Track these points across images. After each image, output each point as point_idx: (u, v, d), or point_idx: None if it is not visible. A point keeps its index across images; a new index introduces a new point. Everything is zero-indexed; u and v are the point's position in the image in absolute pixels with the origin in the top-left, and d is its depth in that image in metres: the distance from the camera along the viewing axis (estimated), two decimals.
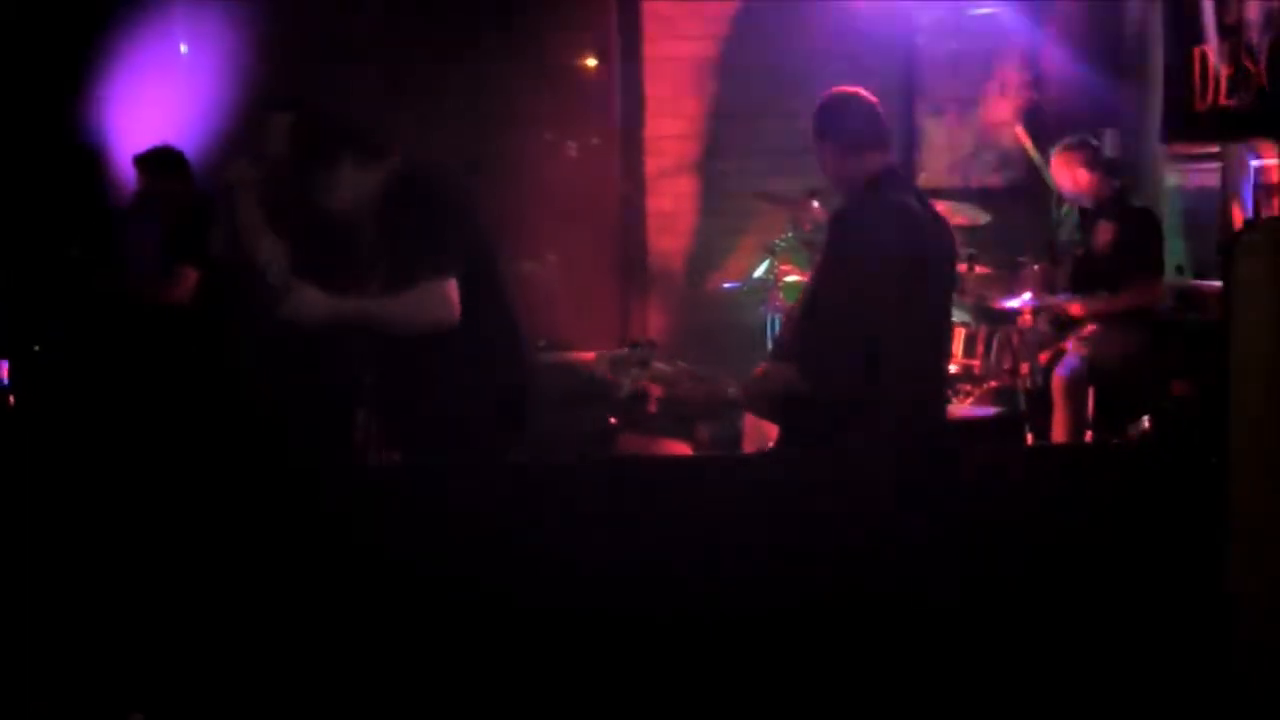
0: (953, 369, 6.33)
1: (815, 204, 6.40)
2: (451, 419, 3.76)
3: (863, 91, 4.04)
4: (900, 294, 3.61)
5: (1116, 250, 6.12)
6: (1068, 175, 6.27)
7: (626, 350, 3.51)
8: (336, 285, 3.79)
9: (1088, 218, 6.35)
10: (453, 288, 3.67)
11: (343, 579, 3.48)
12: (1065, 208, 6.92)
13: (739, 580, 3.33)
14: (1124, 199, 6.29)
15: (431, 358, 3.74)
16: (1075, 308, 6.17)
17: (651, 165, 7.45)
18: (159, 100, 6.86)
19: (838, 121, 3.90)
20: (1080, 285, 6.29)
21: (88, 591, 3.83)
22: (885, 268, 3.61)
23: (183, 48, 7.20)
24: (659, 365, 3.51)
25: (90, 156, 6.85)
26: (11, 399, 5.74)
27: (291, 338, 4.82)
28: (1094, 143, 6.36)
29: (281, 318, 3.75)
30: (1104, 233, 6.18)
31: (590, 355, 5.30)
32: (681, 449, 5.94)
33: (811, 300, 3.89)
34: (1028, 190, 7.24)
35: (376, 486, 3.69)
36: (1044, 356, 6.21)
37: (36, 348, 5.95)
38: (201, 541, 3.59)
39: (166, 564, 3.66)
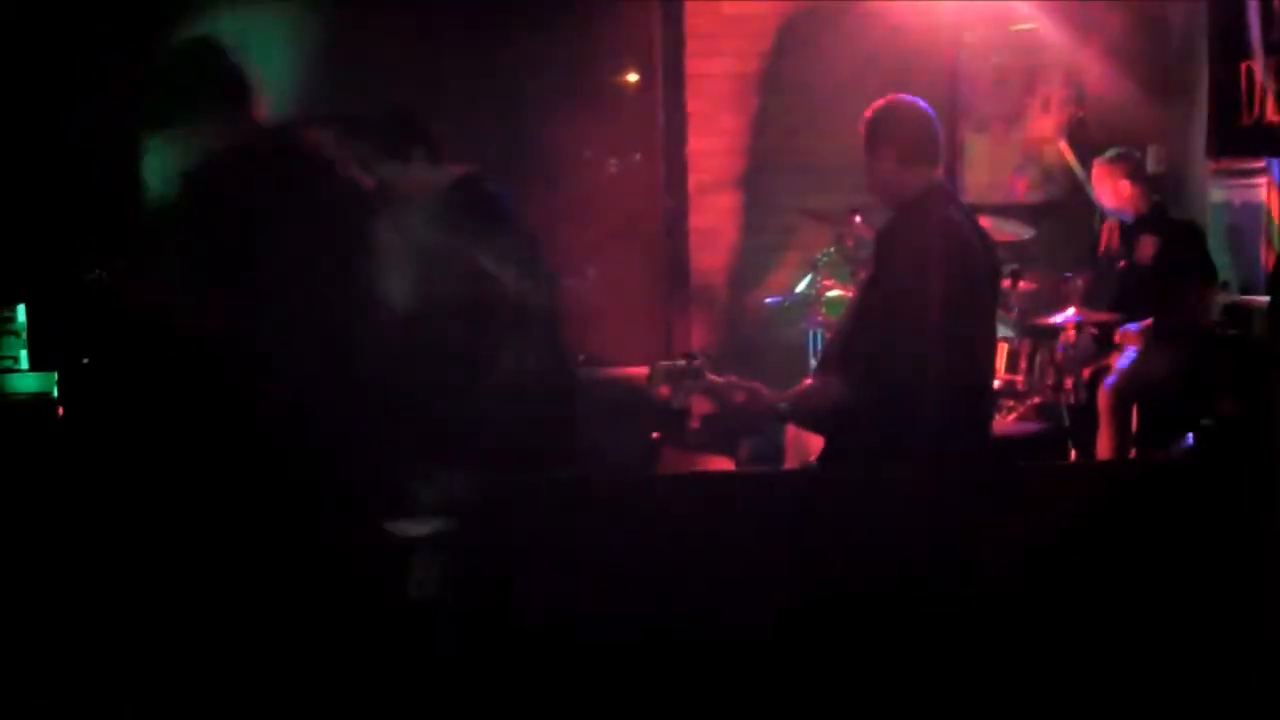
0: (996, 384, 6.31)
1: (858, 219, 6.40)
2: (496, 433, 3.78)
3: (920, 102, 4.00)
4: (947, 311, 3.60)
5: (1160, 264, 6.10)
6: (1109, 187, 6.26)
7: (682, 362, 3.51)
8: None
9: (1129, 232, 6.33)
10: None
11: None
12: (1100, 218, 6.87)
13: (772, 599, 3.33)
14: (1165, 212, 6.27)
15: (477, 365, 3.77)
16: (1128, 338, 6.11)
17: (694, 181, 7.47)
18: None
19: (894, 129, 3.86)
20: (1125, 300, 6.27)
21: (131, 598, 3.87)
22: (932, 285, 3.60)
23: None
24: (711, 377, 3.51)
25: (129, 173, 6.92)
26: (60, 410, 5.80)
27: (326, 353, 4.87)
28: (1136, 155, 6.35)
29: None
30: (1146, 246, 6.16)
31: (640, 370, 5.31)
32: (724, 464, 5.94)
33: (858, 316, 3.89)
34: (1071, 206, 7.22)
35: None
36: (1087, 372, 6.19)
37: (86, 360, 6.00)
38: (237, 551, 3.63)
39: (204, 569, 3.71)
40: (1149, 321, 6.06)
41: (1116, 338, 6.17)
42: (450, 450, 3.77)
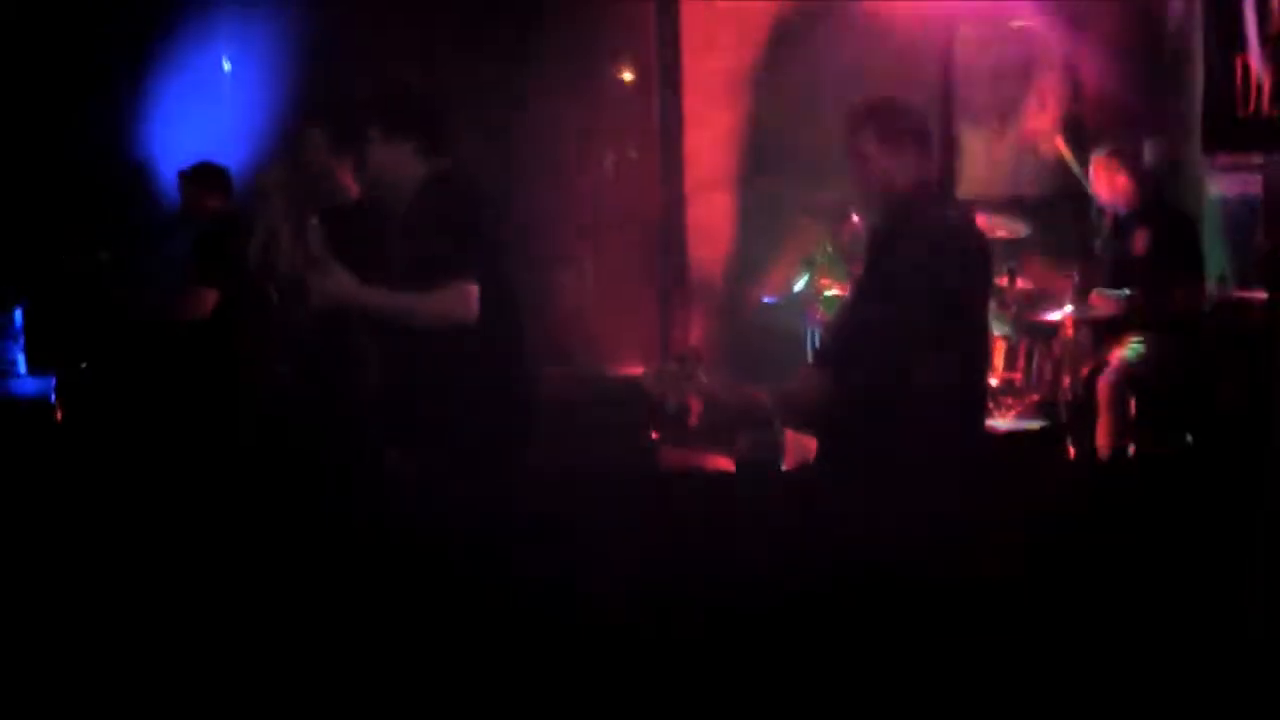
0: (994, 382, 6.31)
1: (854, 217, 6.39)
2: (458, 422, 3.81)
3: (904, 99, 3.99)
4: (940, 311, 3.59)
5: (1152, 255, 6.11)
6: (1106, 180, 6.26)
7: (673, 364, 3.51)
8: (360, 276, 3.85)
9: (1123, 224, 6.33)
10: (474, 290, 3.73)
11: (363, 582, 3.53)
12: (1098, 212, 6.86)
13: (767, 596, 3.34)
14: (1160, 204, 6.28)
15: (441, 359, 3.80)
16: (1108, 306, 6.12)
17: (690, 178, 7.46)
18: (203, 115, 6.94)
19: (878, 126, 3.85)
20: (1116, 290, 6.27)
21: (128, 595, 3.88)
22: (925, 285, 3.59)
23: (226, 64, 7.28)
24: (702, 378, 3.50)
25: (133, 170, 6.94)
26: (58, 414, 5.81)
27: (303, 350, 4.90)
28: (1134, 149, 6.35)
29: (311, 298, 3.82)
30: (1140, 238, 6.17)
31: (635, 370, 5.31)
32: (723, 462, 5.95)
33: (851, 314, 3.88)
34: (1068, 201, 7.21)
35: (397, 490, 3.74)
36: (1085, 368, 6.19)
37: (84, 364, 6.01)
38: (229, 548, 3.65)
39: (197, 566, 3.73)
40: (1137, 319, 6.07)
41: (1091, 298, 6.18)
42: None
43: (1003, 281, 6.30)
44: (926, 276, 3.59)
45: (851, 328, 3.83)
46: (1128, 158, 6.28)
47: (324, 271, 3.81)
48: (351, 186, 4.96)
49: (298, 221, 4.79)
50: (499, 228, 3.96)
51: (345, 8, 7.17)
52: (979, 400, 4.10)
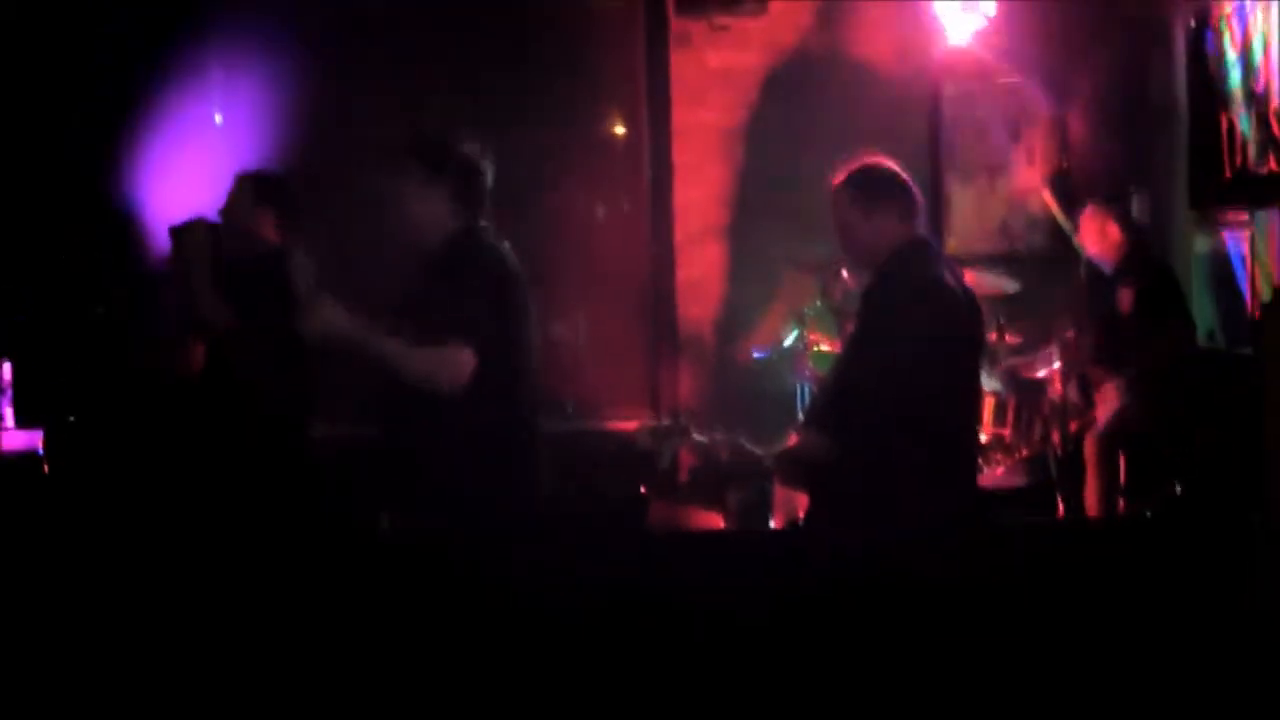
0: (984, 438, 6.32)
1: (844, 273, 6.42)
2: (451, 480, 3.77)
3: (889, 160, 4.01)
4: (931, 370, 3.60)
5: (1139, 313, 6.13)
6: (1096, 232, 6.29)
7: (669, 422, 3.52)
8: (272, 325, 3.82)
9: (1107, 282, 6.35)
10: (470, 356, 3.68)
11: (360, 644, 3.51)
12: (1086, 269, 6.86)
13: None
14: (1147, 259, 6.31)
15: (437, 415, 3.75)
16: (1108, 387, 6.13)
17: (680, 232, 7.48)
18: (194, 170, 6.94)
19: (866, 188, 3.87)
20: (1108, 351, 6.28)
21: (119, 656, 3.85)
22: (917, 345, 3.61)
23: (218, 118, 7.29)
24: (696, 436, 3.51)
25: (124, 224, 6.93)
26: (45, 467, 5.78)
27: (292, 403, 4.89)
28: (1126, 201, 6.40)
29: (302, 330, 3.75)
30: (1125, 297, 6.19)
31: (629, 425, 5.31)
32: (712, 519, 5.94)
33: (843, 373, 3.89)
34: (1056, 257, 7.23)
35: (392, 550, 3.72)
36: (1074, 424, 6.20)
37: (71, 417, 5.99)
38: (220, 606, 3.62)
39: (189, 628, 3.70)
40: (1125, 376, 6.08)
41: (1096, 395, 6.20)
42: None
43: (992, 337, 6.32)
44: (914, 334, 3.60)
45: (843, 386, 3.84)
46: (1118, 210, 6.32)
47: (316, 304, 3.74)
48: (272, 236, 5.00)
49: (215, 271, 4.83)
50: (519, 289, 3.89)
51: (334, 63, 7.20)
52: (972, 456, 4.12)
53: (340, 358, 3.87)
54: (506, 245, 3.95)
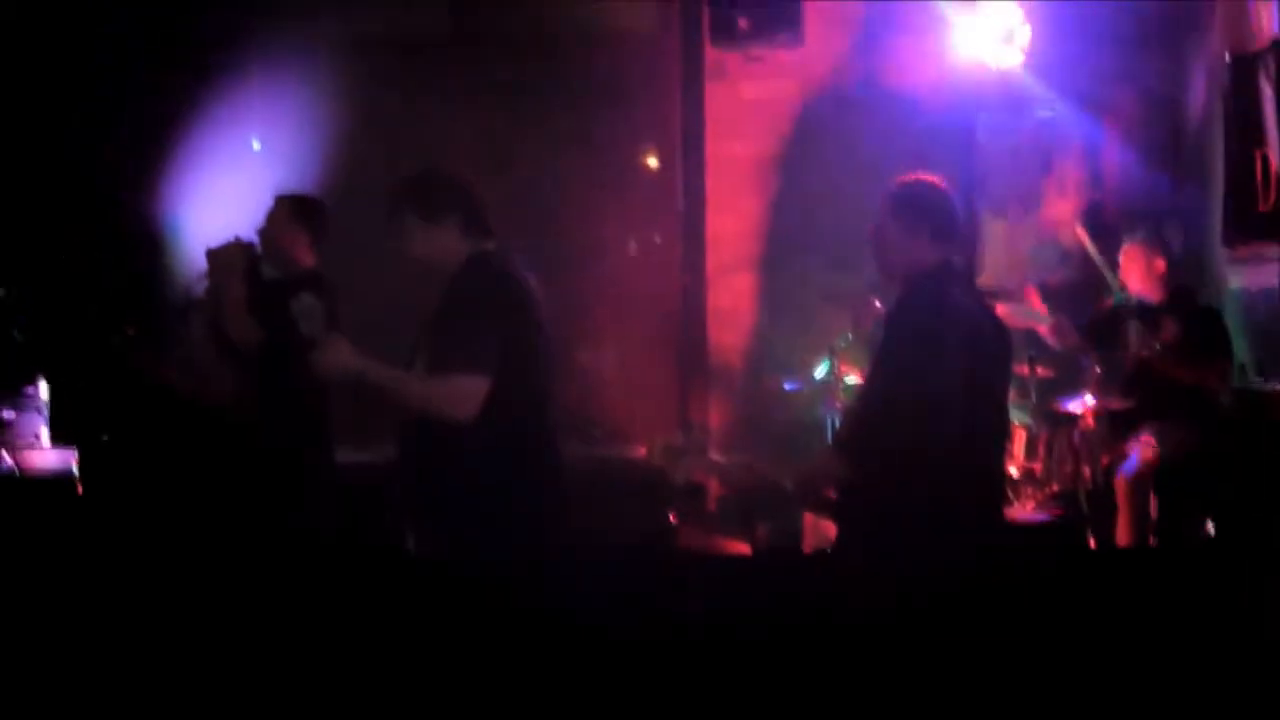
0: (1014, 472, 6.29)
1: (876, 303, 6.42)
2: (470, 505, 3.76)
3: (932, 181, 4.01)
4: (951, 393, 3.58)
5: (1182, 348, 6.10)
6: (1142, 266, 6.27)
7: (680, 437, 3.51)
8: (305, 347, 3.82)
9: (1149, 315, 6.32)
10: (481, 384, 3.68)
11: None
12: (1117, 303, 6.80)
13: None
14: (1189, 296, 6.29)
15: (457, 442, 3.74)
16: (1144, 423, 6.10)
17: (713, 262, 7.51)
18: (232, 193, 7.00)
19: (914, 202, 3.87)
20: (1143, 383, 6.25)
21: (148, 671, 3.88)
22: (939, 365, 3.59)
23: (255, 144, 7.36)
24: (716, 458, 3.50)
25: (159, 245, 7.00)
26: (80, 488, 5.83)
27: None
28: (1167, 236, 6.40)
29: (311, 369, 3.76)
30: (1168, 330, 6.16)
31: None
32: (740, 547, 5.93)
33: (866, 393, 3.88)
34: (1088, 289, 7.22)
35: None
36: (1105, 458, 6.17)
37: (106, 437, 6.03)
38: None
39: (219, 643, 3.72)
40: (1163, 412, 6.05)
41: (1129, 430, 6.16)
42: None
43: (1023, 370, 6.30)
44: (930, 352, 3.59)
45: (864, 407, 3.82)
46: (1162, 243, 6.32)
47: (328, 345, 3.76)
48: (306, 257, 5.02)
49: (247, 293, 4.85)
50: (531, 313, 3.89)
51: (367, 91, 7.26)
52: (998, 485, 4.08)
53: (355, 391, 3.89)
54: (521, 268, 3.95)
